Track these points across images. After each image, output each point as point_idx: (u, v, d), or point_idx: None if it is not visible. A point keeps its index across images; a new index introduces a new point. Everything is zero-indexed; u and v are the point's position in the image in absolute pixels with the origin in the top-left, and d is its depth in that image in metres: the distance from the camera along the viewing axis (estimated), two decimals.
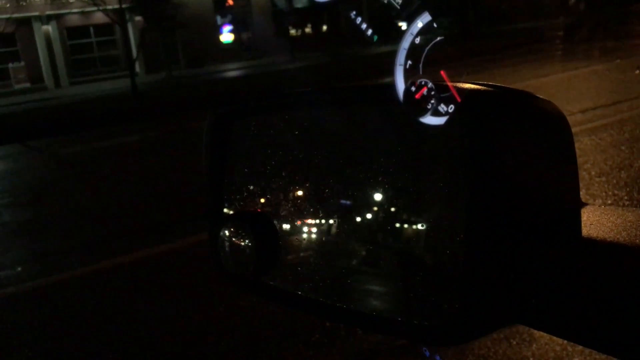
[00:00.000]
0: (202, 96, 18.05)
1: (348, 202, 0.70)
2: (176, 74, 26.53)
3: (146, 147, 11.51)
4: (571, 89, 10.88)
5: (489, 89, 0.59)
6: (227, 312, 3.92)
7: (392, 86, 0.60)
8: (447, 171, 0.63)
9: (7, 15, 25.57)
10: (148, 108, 16.78)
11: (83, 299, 4.63)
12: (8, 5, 25.45)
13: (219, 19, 32.52)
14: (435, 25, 0.65)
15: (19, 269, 5.50)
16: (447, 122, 0.57)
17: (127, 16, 23.36)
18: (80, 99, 21.59)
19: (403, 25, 0.67)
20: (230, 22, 32.81)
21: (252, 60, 29.40)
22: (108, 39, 28.84)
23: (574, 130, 0.63)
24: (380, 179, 0.67)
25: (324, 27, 35.13)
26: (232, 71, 27.14)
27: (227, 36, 32.86)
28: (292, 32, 33.54)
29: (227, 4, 32.58)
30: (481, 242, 0.54)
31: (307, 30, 34.90)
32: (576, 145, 0.62)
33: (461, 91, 0.56)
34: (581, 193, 0.64)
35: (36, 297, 4.79)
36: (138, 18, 26.00)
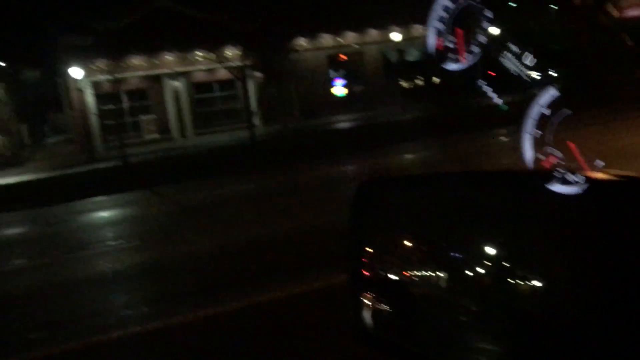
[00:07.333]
0: (315, 146, 18.61)
1: (483, 271, 0.74)
2: (291, 126, 27.52)
3: (262, 195, 11.96)
4: None
5: (619, 178, 0.63)
6: None
7: (533, 174, 0.65)
8: (569, 239, 0.66)
9: (144, 73, 28.05)
10: (265, 158, 17.52)
11: (203, 342, 4.81)
12: (144, 63, 27.88)
13: (332, 73, 33.55)
14: (555, 80, 0.70)
15: (145, 309, 5.86)
16: (579, 204, 0.61)
17: (248, 72, 24.73)
18: (203, 149, 22.94)
19: (523, 75, 0.72)
20: (343, 76, 33.73)
21: (363, 112, 29.88)
22: (230, 94, 30.62)
23: None
24: (503, 242, 0.71)
25: (436, 79, 35.10)
26: (344, 122, 27.73)
27: (339, 89, 33.76)
28: (404, 84, 33.80)
29: (340, 59, 33.59)
30: (624, 311, 0.56)
31: (419, 82, 35.04)
32: None
33: (592, 179, 0.61)
34: None
35: (159, 337, 5.04)
36: (257, 74, 27.45)
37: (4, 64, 34.99)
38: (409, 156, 15.55)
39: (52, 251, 9.21)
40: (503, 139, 15.39)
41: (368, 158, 15.14)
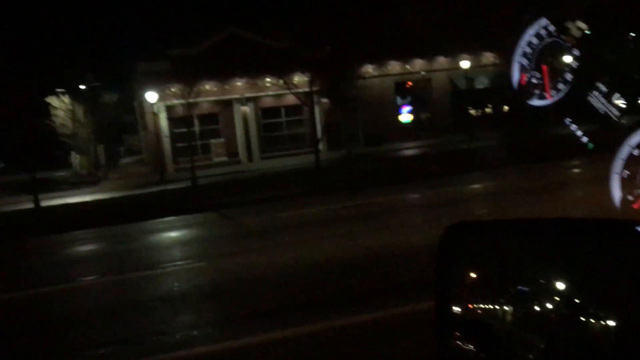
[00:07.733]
0: (380, 173, 18.59)
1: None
2: (355, 152, 27.63)
3: (326, 219, 11.99)
4: None
5: None
6: None
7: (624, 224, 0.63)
8: None
9: (215, 98, 29.03)
10: (329, 183, 17.64)
11: None
12: (216, 89, 28.86)
13: (398, 100, 33.53)
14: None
15: (210, 330, 5.95)
16: None
17: (315, 98, 25.11)
18: (269, 172, 23.35)
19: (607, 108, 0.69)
20: (409, 103, 33.65)
21: (429, 139, 29.65)
22: (296, 119, 31.17)
23: None
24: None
25: (505, 107, 34.43)
26: (409, 150, 27.58)
27: (406, 116, 33.68)
28: (472, 111, 33.33)
29: (407, 86, 33.55)
30: None
31: (487, 110, 34.46)
32: None
33: None
34: None
35: (224, 358, 5.10)
36: (324, 100, 27.81)
37: (84, 87, 37.04)
38: (475, 186, 15.24)
39: (122, 269, 9.53)
40: (575, 170, 14.86)
41: (433, 186, 14.96)
